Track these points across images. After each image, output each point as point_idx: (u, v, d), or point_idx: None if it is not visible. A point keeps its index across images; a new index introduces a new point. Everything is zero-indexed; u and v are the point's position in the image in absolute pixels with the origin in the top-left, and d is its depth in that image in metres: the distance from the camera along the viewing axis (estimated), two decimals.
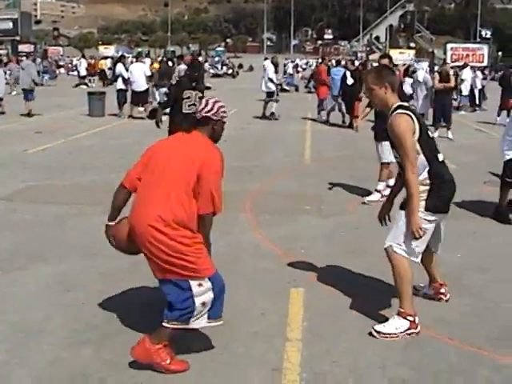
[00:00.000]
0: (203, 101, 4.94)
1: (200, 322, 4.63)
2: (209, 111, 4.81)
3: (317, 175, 12.24)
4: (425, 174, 5.27)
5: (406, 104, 5.45)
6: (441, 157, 5.43)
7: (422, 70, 20.51)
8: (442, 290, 6.06)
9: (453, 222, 8.88)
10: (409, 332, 5.26)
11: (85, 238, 7.79)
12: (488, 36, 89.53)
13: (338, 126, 20.52)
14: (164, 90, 21.77)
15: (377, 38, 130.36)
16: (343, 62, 25.22)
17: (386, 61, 9.59)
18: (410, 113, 5.25)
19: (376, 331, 5.25)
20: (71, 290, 6.11)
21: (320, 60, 29.76)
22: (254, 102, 28.84)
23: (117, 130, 19.23)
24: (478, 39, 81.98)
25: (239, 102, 28.20)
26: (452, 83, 18.81)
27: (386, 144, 8.81)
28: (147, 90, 21.87)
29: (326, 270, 6.82)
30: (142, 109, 22.08)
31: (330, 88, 21.75)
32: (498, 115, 21.97)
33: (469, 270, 6.99)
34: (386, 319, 5.38)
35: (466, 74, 25.66)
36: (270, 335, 5.20)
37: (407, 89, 19.08)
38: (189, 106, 10.35)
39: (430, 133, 5.42)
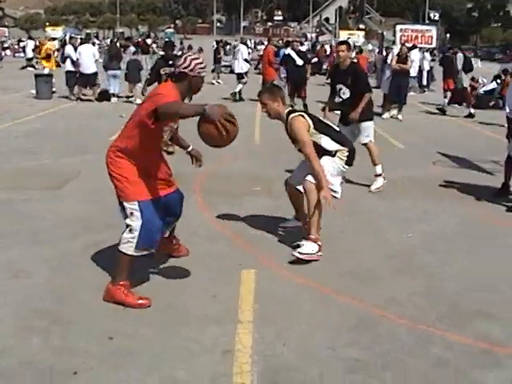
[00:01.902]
0: (182, 58, 5.40)
1: (128, 249, 5.29)
2: (186, 67, 5.29)
3: (267, 156, 12.22)
4: (335, 145, 6.66)
5: (293, 108, 7.01)
6: (337, 128, 7.14)
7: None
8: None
9: (403, 203, 9.03)
10: (319, 254, 6.45)
11: (33, 223, 7.65)
12: (436, 18, 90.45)
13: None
14: (113, 72, 21.50)
15: (326, 20, 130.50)
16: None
17: (343, 47, 9.51)
18: (300, 112, 6.76)
19: (299, 253, 6.37)
20: (19, 276, 6.00)
21: (266, 41, 29.76)
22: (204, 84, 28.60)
23: (65, 112, 18.92)
24: (427, 21, 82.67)
25: None
26: (409, 65, 18.95)
27: (367, 124, 9.64)
28: (96, 72, 21.56)
29: (277, 250, 6.81)
30: (90, 91, 21.80)
31: (278, 70, 21.73)
32: (445, 97, 22.19)
33: (419, 249, 7.05)
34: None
35: (415, 55, 25.81)
36: (221, 318, 5.17)
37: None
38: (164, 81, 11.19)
39: (319, 117, 6.98)
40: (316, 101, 20.53)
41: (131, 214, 5.24)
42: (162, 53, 56.17)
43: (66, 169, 10.65)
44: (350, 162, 6.77)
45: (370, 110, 9.66)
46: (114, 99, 21.51)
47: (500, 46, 76.18)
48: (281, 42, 32.48)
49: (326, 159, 6.62)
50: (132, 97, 21.32)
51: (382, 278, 6.18)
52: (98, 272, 6.07)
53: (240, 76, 23.45)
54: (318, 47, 44.78)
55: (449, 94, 21.82)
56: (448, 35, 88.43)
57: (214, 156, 11.86)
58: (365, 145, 9.65)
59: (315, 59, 37.87)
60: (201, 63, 5.40)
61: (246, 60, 23.97)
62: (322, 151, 6.60)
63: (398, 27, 31.39)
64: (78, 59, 21.26)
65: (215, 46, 37.73)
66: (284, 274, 6.15)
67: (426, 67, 28.09)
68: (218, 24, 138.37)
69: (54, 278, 5.97)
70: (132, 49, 24.41)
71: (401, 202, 9.07)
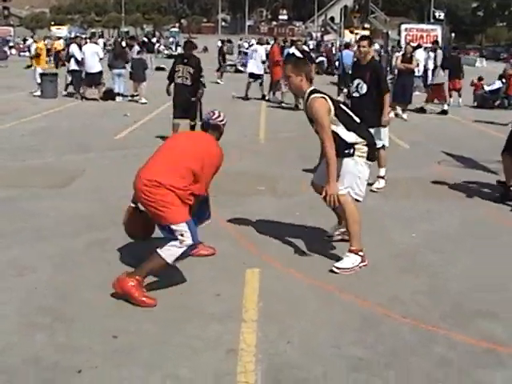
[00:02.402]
0: (216, 112, 6.21)
1: (169, 257, 5.41)
2: (221, 121, 6.16)
3: (271, 155, 12.23)
4: (353, 136, 6.27)
5: (317, 89, 6.36)
6: (357, 119, 6.47)
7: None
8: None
9: (406, 202, 9.02)
10: (361, 265, 6.24)
11: (37, 220, 7.66)
12: (441, 17, 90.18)
13: (291, 109, 20.46)
14: (118, 71, 21.52)
15: (331, 19, 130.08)
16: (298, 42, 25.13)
17: (365, 42, 9.50)
18: (323, 95, 6.24)
19: (336, 268, 6.15)
20: (23, 274, 6.01)
21: (273, 41, 29.75)
22: (207, 83, 28.63)
23: (70, 111, 18.95)
24: (432, 20, 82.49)
25: None
26: (414, 64, 18.95)
27: (384, 128, 9.44)
28: (101, 71, 21.56)
29: (281, 250, 6.81)
30: (95, 90, 21.81)
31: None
32: (450, 96, 22.16)
33: (423, 249, 7.05)
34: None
35: (419, 54, 25.76)
36: (225, 317, 5.17)
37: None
38: (178, 77, 12.81)
39: (341, 105, 6.53)
40: None
41: (182, 235, 5.35)
42: (167, 52, 55.95)
43: (70, 167, 10.66)
44: (371, 156, 6.45)
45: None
46: (118, 98, 21.52)
47: (505, 46, 75.99)
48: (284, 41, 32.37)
49: (348, 162, 6.28)
50: (137, 96, 21.34)
51: (385, 277, 6.18)
52: (100, 270, 6.08)
53: (258, 76, 22.92)
54: (323, 46, 44.76)
55: (454, 93, 21.83)
56: (453, 35, 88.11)
57: None
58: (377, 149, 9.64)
59: (321, 58, 37.90)
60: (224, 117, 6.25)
61: (263, 62, 23.54)
62: (341, 145, 6.18)
63: (403, 26, 31.41)
64: (82, 58, 21.28)
65: (220, 45, 37.70)
66: (288, 272, 6.15)
67: (431, 66, 28.02)
68: (223, 23, 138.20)
69: (57, 275, 5.99)
70: (137, 48, 24.37)
71: (404, 201, 9.06)
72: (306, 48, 23.80)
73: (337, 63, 26.63)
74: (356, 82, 9.45)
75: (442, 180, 10.26)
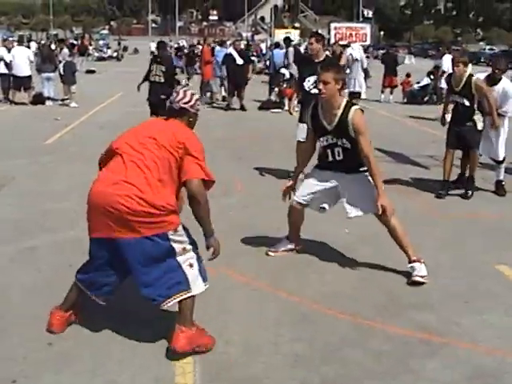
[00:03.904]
0: (181, 91, 4.88)
1: (199, 286, 4.68)
2: (187, 103, 4.84)
3: (206, 156, 12.16)
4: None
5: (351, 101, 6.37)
6: None
7: (358, 50, 20.65)
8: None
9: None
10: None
11: None
12: (370, 16, 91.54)
13: (222, 109, 20.45)
14: (47, 75, 21.16)
15: (262, 19, 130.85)
16: (229, 42, 25.18)
17: (312, 39, 9.56)
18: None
19: (420, 278, 6.00)
20: None
21: (202, 41, 29.81)
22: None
23: None
24: (361, 19, 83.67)
25: (125, 85, 27.69)
26: (343, 61, 19.13)
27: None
28: (30, 75, 21.13)
29: None
30: (24, 94, 21.39)
31: (214, 69, 21.67)
32: (382, 93, 22.48)
33: (357, 243, 7.13)
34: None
35: (356, 52, 26.07)
36: (161, 319, 5.11)
37: None
38: (152, 75, 13.99)
39: None
40: (253, 100, 20.66)
41: (184, 249, 4.56)
42: (97, 54, 55.21)
43: None
44: None
45: None
46: (48, 102, 21.16)
47: (433, 43, 77.42)
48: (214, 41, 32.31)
49: (368, 177, 6.25)
50: (67, 99, 21.00)
51: (321, 274, 6.22)
52: (31, 276, 5.97)
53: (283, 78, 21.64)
54: (253, 46, 44.84)
55: (387, 90, 22.17)
56: (382, 33, 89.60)
57: None
58: None
59: (253, 58, 37.97)
60: (198, 99, 5.02)
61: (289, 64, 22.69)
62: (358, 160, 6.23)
63: (333, 25, 31.83)
64: (11, 61, 20.84)
65: (152, 47, 37.40)
66: (224, 272, 6.12)
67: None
68: (153, 24, 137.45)
69: None
70: (66, 51, 24.03)
71: None
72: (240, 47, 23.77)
73: (268, 62, 26.69)
74: (312, 78, 9.38)
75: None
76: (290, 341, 4.85)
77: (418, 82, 23.81)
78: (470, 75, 9.03)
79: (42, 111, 19.46)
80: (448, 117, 9.60)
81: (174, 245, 4.48)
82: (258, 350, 4.70)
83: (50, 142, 13.57)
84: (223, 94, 22.28)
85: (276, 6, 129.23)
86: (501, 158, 9.61)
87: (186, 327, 4.57)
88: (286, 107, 19.91)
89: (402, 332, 5.02)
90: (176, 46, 47.26)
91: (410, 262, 6.15)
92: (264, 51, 39.02)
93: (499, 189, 9.51)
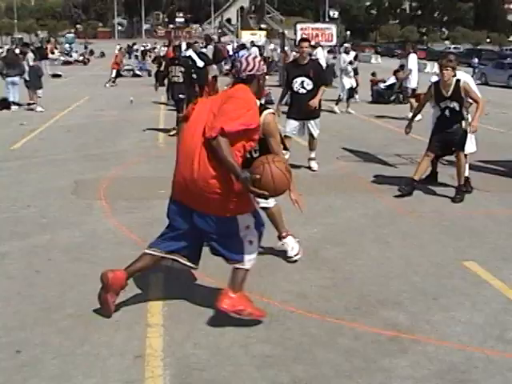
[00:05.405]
0: (242, 60, 5.10)
1: (252, 261, 5.07)
2: (252, 69, 5.03)
3: (172, 159, 12.03)
4: None
5: None
6: None
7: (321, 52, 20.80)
8: None
9: (308, 198, 9.08)
10: None
11: None
12: (336, 16, 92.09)
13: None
14: (11, 79, 20.94)
15: (228, 21, 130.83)
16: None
17: (306, 44, 10.58)
18: None
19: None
20: None
21: (167, 43, 29.78)
22: (105, 88, 28.36)
23: None
24: (327, 19, 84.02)
25: (91, 88, 27.58)
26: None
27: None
28: None
29: None
30: None
31: None
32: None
33: (325, 243, 7.15)
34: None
35: (320, 53, 26.18)
36: (131, 322, 5.10)
37: None
38: (172, 76, 15.35)
39: None
40: None
41: (247, 227, 4.95)
42: (63, 58, 54.71)
43: None
44: None
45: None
46: (14, 107, 20.95)
47: (399, 42, 78.02)
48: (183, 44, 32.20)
49: None
50: (33, 104, 20.80)
51: (289, 274, 6.23)
52: (1, 284, 5.90)
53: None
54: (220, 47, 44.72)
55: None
56: (348, 33, 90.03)
57: (119, 161, 11.78)
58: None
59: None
60: (260, 60, 5.22)
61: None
62: None
63: (299, 26, 31.68)
64: None
65: (119, 48, 37.19)
66: (191, 274, 6.11)
67: (324, 64, 28.51)
68: (120, 27, 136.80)
69: None
70: (31, 55, 23.81)
71: (305, 197, 9.15)
72: (205, 50, 23.73)
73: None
74: (299, 79, 10.37)
75: (343, 175, 10.45)
76: (260, 342, 4.84)
77: (385, 81, 23.93)
78: (458, 80, 9.11)
79: (8, 116, 19.25)
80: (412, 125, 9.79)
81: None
82: (227, 352, 4.69)
83: (16, 147, 13.42)
84: None
85: (242, 8, 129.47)
86: (466, 153, 9.65)
87: (233, 291, 4.96)
88: None
89: (371, 330, 5.04)
90: (142, 48, 47.00)
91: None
92: (231, 53, 38.93)
93: (465, 185, 9.57)
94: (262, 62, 5.16)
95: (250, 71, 5.02)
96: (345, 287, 5.91)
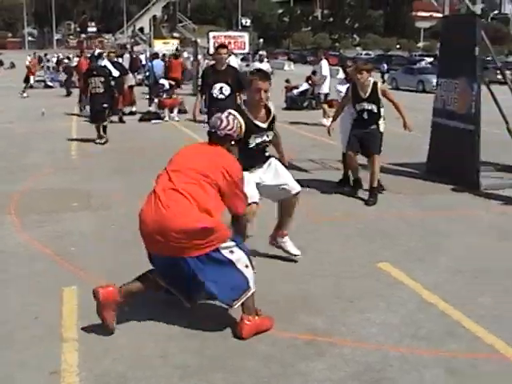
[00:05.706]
0: (224, 118, 5.33)
1: (254, 285, 5.13)
2: (230, 129, 5.30)
3: (84, 171, 11.94)
4: None
5: None
6: None
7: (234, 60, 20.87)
8: None
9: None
10: None
11: None
12: (248, 24, 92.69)
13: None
14: None
15: (141, 30, 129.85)
16: (105, 54, 24.81)
17: (225, 50, 10.59)
18: None
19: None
20: None
21: (79, 54, 29.43)
22: (17, 99, 27.76)
23: None
24: (240, 27, 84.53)
25: (1, 100, 26.90)
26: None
27: None
28: None
29: (98, 265, 6.65)
30: None
31: None
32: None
33: None
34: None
35: (233, 61, 26.32)
36: (45, 338, 4.99)
37: None
38: (92, 87, 15.44)
39: None
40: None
41: (231, 252, 4.98)
42: None
43: None
44: None
45: None
46: None
47: (311, 49, 79.00)
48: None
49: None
50: None
51: None
52: None
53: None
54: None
55: None
56: (261, 40, 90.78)
57: (29, 174, 11.50)
58: None
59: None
60: (238, 123, 5.56)
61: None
62: None
63: (211, 34, 31.81)
64: None
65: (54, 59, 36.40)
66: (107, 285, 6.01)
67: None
68: (30, 38, 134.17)
69: None
70: None
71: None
72: (120, 60, 23.53)
73: (147, 73, 26.45)
74: (218, 85, 10.26)
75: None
76: (180, 352, 4.81)
77: (297, 88, 24.15)
78: (375, 82, 9.31)
79: None
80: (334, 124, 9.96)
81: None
82: (147, 364, 4.63)
83: None
84: None
85: (155, 17, 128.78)
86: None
87: (251, 316, 5.05)
88: (167, 117, 19.98)
89: (288, 335, 5.07)
90: (55, 59, 46.11)
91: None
92: (143, 62, 38.61)
93: (378, 188, 9.71)
94: (238, 124, 5.52)
95: (228, 131, 5.27)
96: (263, 293, 5.86)
